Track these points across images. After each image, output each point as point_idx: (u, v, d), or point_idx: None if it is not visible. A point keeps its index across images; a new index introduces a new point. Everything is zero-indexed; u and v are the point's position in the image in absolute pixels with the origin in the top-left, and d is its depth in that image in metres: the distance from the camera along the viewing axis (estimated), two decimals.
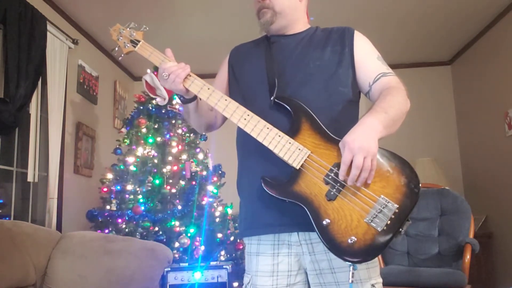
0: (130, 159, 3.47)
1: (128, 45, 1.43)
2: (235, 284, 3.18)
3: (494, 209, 4.24)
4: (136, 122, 3.61)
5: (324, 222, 1.20)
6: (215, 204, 3.57)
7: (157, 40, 4.36)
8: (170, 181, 3.48)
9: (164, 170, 3.46)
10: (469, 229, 3.18)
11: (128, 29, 1.44)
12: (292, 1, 1.46)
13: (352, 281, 1.21)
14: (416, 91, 4.95)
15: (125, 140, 3.59)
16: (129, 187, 3.41)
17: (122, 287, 2.68)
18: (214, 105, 1.34)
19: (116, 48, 1.46)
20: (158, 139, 3.59)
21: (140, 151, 3.52)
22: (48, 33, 3.29)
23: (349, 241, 1.18)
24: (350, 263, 1.20)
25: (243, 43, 1.60)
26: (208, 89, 1.35)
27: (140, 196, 3.39)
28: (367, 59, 1.42)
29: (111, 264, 2.71)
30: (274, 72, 1.39)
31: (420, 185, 1.22)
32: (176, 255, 3.18)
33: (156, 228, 3.28)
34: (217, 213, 3.53)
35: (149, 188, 3.39)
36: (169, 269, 3.05)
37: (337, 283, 1.30)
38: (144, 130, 3.59)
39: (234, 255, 3.47)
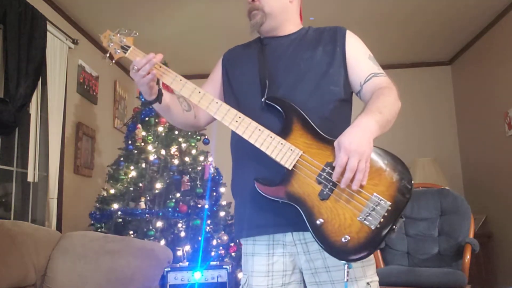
0: (151, 157, 3.47)
1: (119, 51, 1.42)
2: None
3: (494, 209, 4.23)
4: (156, 119, 3.61)
5: (318, 222, 1.21)
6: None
7: (159, 40, 4.33)
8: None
9: (195, 170, 3.52)
10: (469, 229, 3.18)
11: (118, 35, 1.43)
12: (282, 2, 1.46)
13: (347, 280, 1.22)
14: (416, 91, 4.96)
15: (149, 138, 3.56)
16: (158, 185, 3.41)
17: (122, 287, 2.68)
18: (206, 108, 1.34)
19: (107, 55, 1.44)
20: (181, 139, 3.61)
21: (150, 149, 3.51)
22: (48, 33, 3.30)
23: (343, 240, 1.18)
24: (344, 261, 1.20)
25: (236, 45, 1.60)
26: (199, 92, 1.35)
27: (178, 195, 3.42)
28: (359, 58, 1.42)
29: (111, 264, 2.71)
30: (266, 74, 1.40)
31: (413, 181, 1.22)
32: (222, 251, 3.30)
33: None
34: (222, 214, 3.58)
35: (188, 187, 3.42)
36: (169, 269, 3.05)
37: (332, 282, 1.31)
38: (160, 129, 3.60)
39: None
